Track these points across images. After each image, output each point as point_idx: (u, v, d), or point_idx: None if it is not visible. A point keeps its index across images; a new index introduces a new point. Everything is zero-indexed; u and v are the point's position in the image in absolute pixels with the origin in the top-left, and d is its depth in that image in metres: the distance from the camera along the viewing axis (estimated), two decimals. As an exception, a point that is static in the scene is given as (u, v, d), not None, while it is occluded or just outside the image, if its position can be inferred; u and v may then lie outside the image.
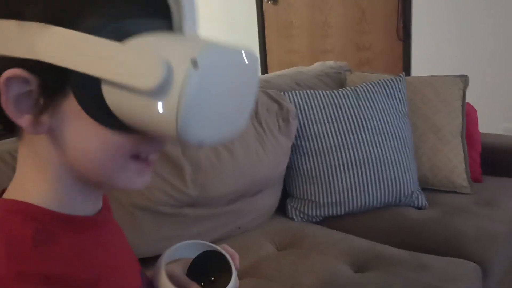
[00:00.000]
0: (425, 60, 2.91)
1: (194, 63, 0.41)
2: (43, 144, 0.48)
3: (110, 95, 0.43)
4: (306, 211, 1.58)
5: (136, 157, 0.49)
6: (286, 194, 1.65)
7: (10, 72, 0.44)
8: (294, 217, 1.59)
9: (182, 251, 0.69)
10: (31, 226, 0.47)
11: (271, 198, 1.58)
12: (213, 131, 0.45)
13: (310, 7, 3.25)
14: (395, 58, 3.05)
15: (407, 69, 2.99)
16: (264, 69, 3.58)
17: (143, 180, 0.51)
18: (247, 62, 0.46)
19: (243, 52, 0.46)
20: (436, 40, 2.85)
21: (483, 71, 2.62)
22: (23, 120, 0.45)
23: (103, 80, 0.43)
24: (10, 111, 0.45)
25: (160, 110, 0.41)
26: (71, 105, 0.45)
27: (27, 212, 0.48)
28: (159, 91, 0.41)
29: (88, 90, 0.44)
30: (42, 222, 0.48)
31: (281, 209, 1.63)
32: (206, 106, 0.42)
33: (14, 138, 0.51)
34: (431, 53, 2.88)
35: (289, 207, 1.61)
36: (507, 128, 2.58)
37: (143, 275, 0.64)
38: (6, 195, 0.51)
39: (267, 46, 3.56)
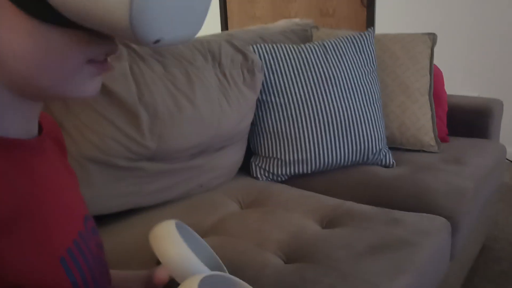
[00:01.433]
0: (390, 26, 2.88)
1: None
2: None
3: None
4: (271, 170, 1.51)
5: (90, 61, 0.45)
6: (250, 153, 1.57)
7: None
8: (259, 176, 1.52)
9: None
10: None
11: (235, 155, 1.49)
12: (170, 28, 0.41)
13: (273, -30, 3.15)
14: (359, 24, 3.00)
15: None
16: (225, 24, 3.47)
17: (95, 86, 0.47)
18: None
19: None
20: (400, 4, 2.82)
21: (449, 35, 2.61)
22: None
23: None
24: None
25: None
26: (4, 3, 0.39)
27: None
28: None
29: None
30: None
31: (245, 169, 1.55)
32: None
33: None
34: (396, 19, 2.85)
35: (253, 165, 1.53)
36: (471, 89, 2.59)
37: (87, 222, 0.55)
38: None
39: (228, 12, 3.44)
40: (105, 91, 1.09)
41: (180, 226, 0.64)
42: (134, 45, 1.20)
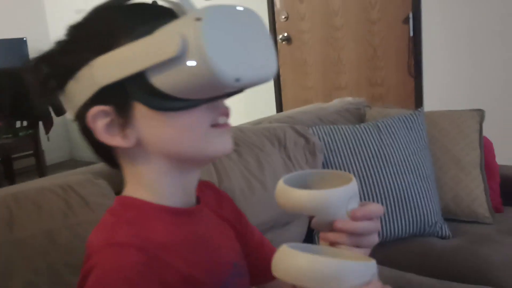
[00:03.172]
0: (437, 95, 3.00)
1: (198, 19, 0.52)
2: (138, 157, 0.61)
3: (158, 80, 0.54)
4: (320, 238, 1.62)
5: (213, 125, 0.61)
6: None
7: (91, 111, 0.58)
8: (321, 247, 1.64)
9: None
10: (131, 211, 0.61)
11: (299, 229, 1.62)
12: (246, 70, 0.55)
13: (323, 44, 3.37)
14: (407, 93, 3.14)
15: (419, 104, 3.07)
16: (280, 106, 3.68)
17: (226, 142, 0.63)
18: (242, 10, 0.57)
19: (240, 7, 0.57)
20: (447, 75, 2.94)
21: (496, 105, 2.69)
22: (116, 140, 0.59)
23: (147, 72, 0.54)
24: (106, 139, 0.59)
25: (193, 63, 0.52)
26: (140, 112, 0.58)
27: (131, 203, 0.62)
28: (185, 52, 0.52)
29: (143, 90, 0.55)
30: (140, 209, 0.61)
31: (309, 241, 1.68)
32: (226, 47, 0.53)
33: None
34: (443, 89, 2.97)
35: (316, 238, 1.66)
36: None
37: (237, 267, 0.70)
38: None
39: (282, 83, 3.66)
40: (191, 179, 1.28)
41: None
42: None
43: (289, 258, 0.53)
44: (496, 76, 2.78)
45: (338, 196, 0.58)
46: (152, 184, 0.62)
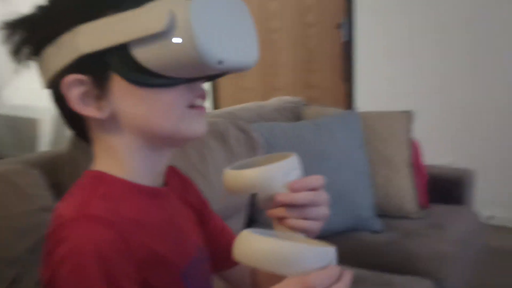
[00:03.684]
0: (368, 99, 3.13)
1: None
2: (111, 131, 0.60)
3: (140, 54, 0.54)
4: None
5: (190, 106, 0.60)
6: (251, 221, 1.71)
7: (67, 78, 0.57)
8: (260, 242, 1.65)
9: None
10: (103, 186, 0.59)
11: (236, 225, 1.63)
12: (229, 54, 0.56)
13: (260, 47, 3.40)
14: (340, 96, 3.25)
15: (350, 107, 3.19)
16: (215, 106, 3.67)
17: (201, 124, 0.62)
18: None
19: None
20: (378, 80, 3.09)
21: (422, 107, 2.86)
22: (90, 110, 0.58)
23: (131, 45, 0.54)
24: (79, 108, 0.58)
25: (178, 40, 0.52)
26: (118, 85, 0.57)
27: (102, 178, 0.61)
28: (172, 28, 0.52)
29: (124, 63, 0.55)
30: (112, 185, 0.60)
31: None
32: (212, 29, 0.54)
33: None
34: (374, 92, 3.11)
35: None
36: (448, 161, 2.82)
37: (201, 252, 0.70)
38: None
39: (217, 84, 3.66)
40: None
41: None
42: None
43: (250, 242, 0.54)
44: (425, 80, 2.95)
45: (275, 170, 0.60)
46: (123, 159, 0.61)
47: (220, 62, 0.54)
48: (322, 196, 0.63)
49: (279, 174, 0.60)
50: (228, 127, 1.58)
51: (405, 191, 1.81)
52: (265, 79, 3.48)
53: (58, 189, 1.17)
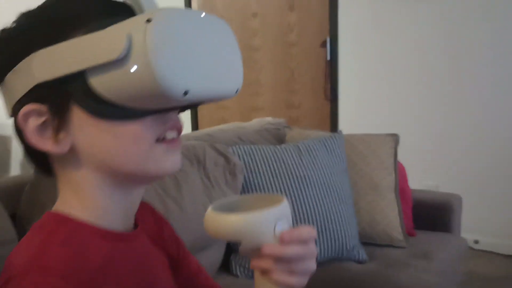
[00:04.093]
0: (351, 120, 3.08)
1: (148, 21, 0.46)
2: (73, 167, 0.54)
3: (99, 84, 0.48)
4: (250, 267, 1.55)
5: (160, 140, 0.54)
6: (230, 250, 1.61)
7: (24, 109, 0.51)
8: (239, 273, 1.56)
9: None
10: (64, 231, 0.52)
11: (215, 255, 1.53)
12: (198, 84, 0.49)
13: (241, 65, 3.35)
14: (323, 116, 3.19)
15: (334, 127, 3.13)
16: (195, 125, 3.58)
17: (173, 161, 0.55)
18: (206, 17, 0.52)
19: (203, 13, 0.52)
20: (362, 100, 3.04)
21: (407, 130, 2.82)
22: (47, 144, 0.52)
23: (89, 73, 0.48)
24: (36, 141, 0.52)
25: (135, 68, 0.46)
26: (77, 115, 0.51)
27: (64, 221, 0.54)
28: (129, 55, 0.46)
29: (83, 92, 0.49)
30: (74, 230, 0.53)
31: (225, 266, 1.59)
32: (177, 55, 0.47)
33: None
34: (357, 113, 3.06)
35: (233, 263, 1.57)
36: (428, 185, 2.77)
37: None
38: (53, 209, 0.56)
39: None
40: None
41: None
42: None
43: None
44: (409, 101, 2.91)
45: (264, 218, 0.55)
46: (87, 198, 0.55)
47: (185, 93, 0.48)
48: (312, 249, 0.58)
49: (268, 222, 0.55)
50: (206, 150, 1.49)
51: (391, 218, 1.74)
52: (245, 99, 3.41)
53: (19, 221, 1.06)
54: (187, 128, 3.57)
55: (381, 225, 1.73)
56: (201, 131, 1.81)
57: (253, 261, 0.57)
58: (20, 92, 0.52)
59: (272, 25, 3.26)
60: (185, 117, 3.59)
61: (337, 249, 1.59)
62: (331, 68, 3.09)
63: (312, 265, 0.58)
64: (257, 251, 0.55)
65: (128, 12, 0.51)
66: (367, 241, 1.74)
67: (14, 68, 0.52)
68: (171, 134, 0.55)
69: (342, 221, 1.61)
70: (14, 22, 0.54)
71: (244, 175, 1.58)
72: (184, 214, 1.32)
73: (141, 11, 0.50)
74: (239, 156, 1.61)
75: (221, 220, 0.55)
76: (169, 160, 0.54)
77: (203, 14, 0.52)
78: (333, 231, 1.58)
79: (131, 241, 0.59)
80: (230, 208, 0.59)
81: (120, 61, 0.46)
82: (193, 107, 0.56)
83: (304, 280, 0.57)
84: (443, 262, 1.66)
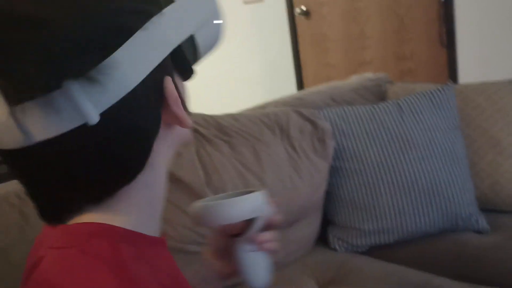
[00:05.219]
0: (474, 67, 2.71)
1: None
2: (159, 152, 0.48)
3: (201, 42, 0.49)
4: (350, 241, 1.42)
5: None
6: (327, 222, 1.49)
7: (168, 80, 0.46)
8: (337, 247, 1.44)
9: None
10: (126, 245, 0.44)
11: (310, 228, 1.43)
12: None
13: (344, 18, 3.11)
14: (440, 66, 2.86)
15: (453, 77, 2.79)
16: (300, 85, 3.45)
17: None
18: None
19: None
20: (485, 44, 2.65)
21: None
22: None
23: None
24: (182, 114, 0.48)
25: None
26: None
27: (116, 232, 0.45)
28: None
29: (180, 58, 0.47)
30: (133, 241, 0.46)
31: (323, 239, 1.48)
32: None
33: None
34: (480, 59, 2.68)
35: (330, 236, 1.46)
36: None
37: None
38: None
39: (302, 61, 3.43)
40: (174, 179, 1.09)
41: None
42: (200, 128, 1.20)
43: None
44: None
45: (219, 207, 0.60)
46: (140, 201, 0.48)
47: None
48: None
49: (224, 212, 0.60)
50: (290, 116, 1.37)
51: (518, 180, 1.47)
52: (351, 54, 3.18)
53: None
54: (291, 88, 3.45)
55: (506, 189, 1.47)
56: (290, 96, 1.69)
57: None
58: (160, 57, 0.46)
59: (375, -31, 2.96)
60: (289, 77, 3.47)
61: (450, 219, 1.39)
62: (445, 9, 2.73)
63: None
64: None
65: None
66: (489, 208, 1.49)
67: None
68: None
69: (454, 186, 1.39)
70: None
71: (336, 141, 1.43)
72: (268, 190, 1.23)
73: None
74: (330, 119, 1.46)
75: (191, 208, 0.62)
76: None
77: None
78: (443, 198, 1.38)
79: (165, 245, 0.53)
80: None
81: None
82: None
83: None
84: None
